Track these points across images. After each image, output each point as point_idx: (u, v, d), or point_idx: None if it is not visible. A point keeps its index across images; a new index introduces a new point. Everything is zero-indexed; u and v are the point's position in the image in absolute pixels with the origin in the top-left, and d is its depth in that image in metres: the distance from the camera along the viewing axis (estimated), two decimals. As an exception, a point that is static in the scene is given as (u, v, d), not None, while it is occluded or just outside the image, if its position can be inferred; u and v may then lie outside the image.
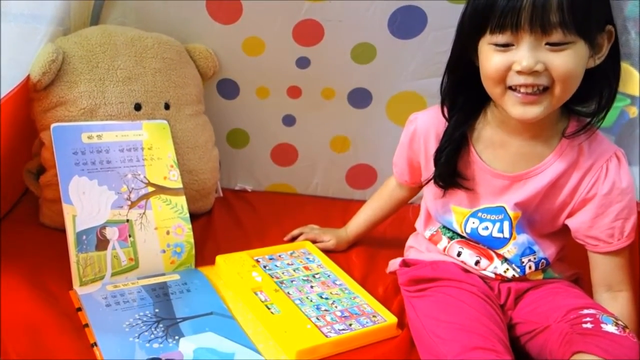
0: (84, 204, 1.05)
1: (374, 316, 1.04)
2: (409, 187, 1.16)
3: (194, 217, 1.20)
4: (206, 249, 1.21)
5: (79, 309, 0.97)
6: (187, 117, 1.27)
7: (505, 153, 0.98)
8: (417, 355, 0.97)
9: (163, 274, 1.08)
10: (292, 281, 1.12)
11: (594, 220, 0.95)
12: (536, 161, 0.97)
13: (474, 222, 1.02)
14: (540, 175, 0.96)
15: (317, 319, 1.01)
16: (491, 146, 0.99)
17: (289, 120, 1.44)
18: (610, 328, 0.86)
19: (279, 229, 1.32)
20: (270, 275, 1.12)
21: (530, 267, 1.00)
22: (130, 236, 1.07)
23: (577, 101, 0.94)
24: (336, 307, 1.06)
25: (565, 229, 0.99)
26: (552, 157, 0.96)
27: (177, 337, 0.93)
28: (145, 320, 0.95)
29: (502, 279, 1.02)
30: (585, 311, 0.91)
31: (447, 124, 1.00)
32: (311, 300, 1.07)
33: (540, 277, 1.02)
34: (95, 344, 0.90)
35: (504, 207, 0.99)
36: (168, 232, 1.11)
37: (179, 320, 0.97)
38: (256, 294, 1.06)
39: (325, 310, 1.05)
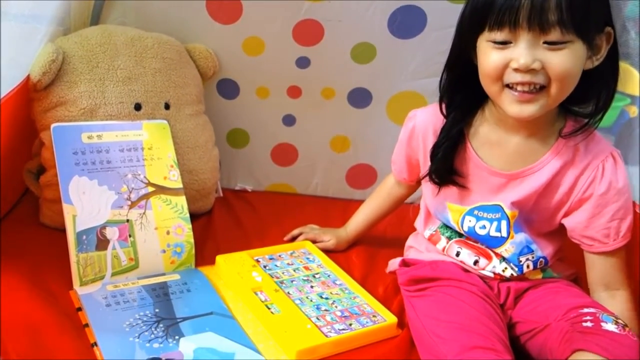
0: (84, 204, 1.05)
1: (374, 316, 1.04)
2: (408, 185, 1.16)
3: (194, 217, 1.20)
4: (206, 249, 1.21)
5: (79, 309, 0.97)
6: (187, 117, 1.27)
7: (502, 151, 0.98)
8: (417, 355, 0.97)
9: (163, 274, 1.09)
10: (292, 281, 1.12)
11: (590, 220, 0.95)
12: (533, 159, 0.97)
13: (470, 221, 1.02)
14: (536, 173, 0.96)
15: (317, 318, 1.02)
16: (488, 144, 1.00)
17: (289, 120, 1.44)
18: (610, 327, 0.87)
19: (279, 229, 1.32)
20: (270, 275, 1.12)
21: (528, 266, 1.00)
22: (130, 236, 1.07)
23: (575, 102, 0.95)
24: (336, 307, 1.06)
25: (563, 228, 0.99)
26: (549, 155, 0.96)
27: (177, 337, 0.93)
28: (146, 320, 0.95)
29: (501, 279, 1.02)
30: (585, 310, 0.91)
31: (445, 120, 1.01)
32: (311, 300, 1.07)
33: (540, 276, 1.03)
34: (95, 343, 0.90)
35: (501, 206, 0.99)
36: (168, 232, 1.11)
37: (179, 320, 0.97)
38: (256, 293, 1.06)
39: (325, 310, 1.05)
